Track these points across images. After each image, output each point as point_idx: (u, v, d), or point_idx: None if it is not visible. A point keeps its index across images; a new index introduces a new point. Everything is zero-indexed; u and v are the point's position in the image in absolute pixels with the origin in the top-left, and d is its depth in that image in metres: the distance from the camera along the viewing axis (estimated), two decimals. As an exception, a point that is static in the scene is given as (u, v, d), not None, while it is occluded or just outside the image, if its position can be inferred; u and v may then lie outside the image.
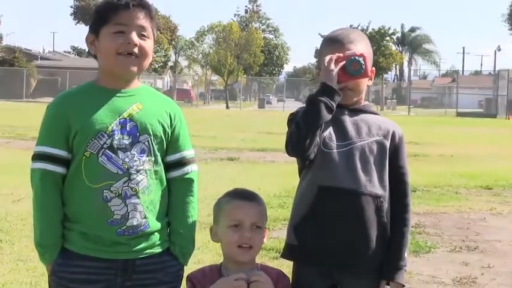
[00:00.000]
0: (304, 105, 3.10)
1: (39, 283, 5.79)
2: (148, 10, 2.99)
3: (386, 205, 3.16)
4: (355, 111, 3.21)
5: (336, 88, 3.02)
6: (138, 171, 2.94)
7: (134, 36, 2.93)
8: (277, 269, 3.25)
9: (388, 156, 3.17)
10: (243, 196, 3.15)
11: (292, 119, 3.13)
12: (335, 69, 3.04)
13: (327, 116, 3.02)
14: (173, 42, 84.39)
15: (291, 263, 3.27)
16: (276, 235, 7.81)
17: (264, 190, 11.11)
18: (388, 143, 3.17)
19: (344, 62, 3.05)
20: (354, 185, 3.08)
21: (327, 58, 3.06)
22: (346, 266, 3.12)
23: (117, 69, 2.96)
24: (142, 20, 2.96)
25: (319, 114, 3.00)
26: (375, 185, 3.12)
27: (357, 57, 3.06)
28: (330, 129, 3.12)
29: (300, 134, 3.01)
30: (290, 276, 3.21)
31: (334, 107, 3.03)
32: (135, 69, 2.96)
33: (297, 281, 3.18)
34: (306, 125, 3.01)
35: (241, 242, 3.04)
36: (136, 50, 2.93)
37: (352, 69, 3.05)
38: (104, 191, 2.90)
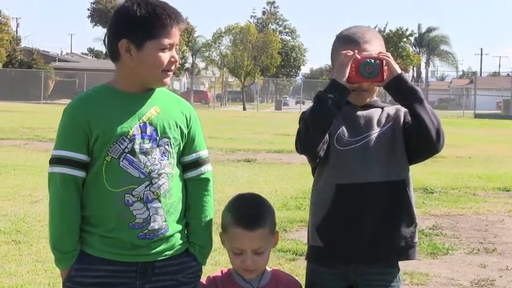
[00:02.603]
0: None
1: (57, 284, 5.80)
2: (184, 24, 3.01)
3: (409, 187, 3.16)
4: (365, 106, 3.20)
5: (344, 85, 3.01)
6: (159, 174, 2.94)
7: (176, 53, 2.98)
8: (289, 274, 3.26)
9: (403, 124, 3.15)
10: (245, 222, 3.05)
11: (303, 117, 3.13)
12: (348, 67, 3.02)
13: (334, 113, 3.01)
14: (190, 44, 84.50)
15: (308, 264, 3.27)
16: (293, 237, 7.82)
17: (280, 192, 11.13)
18: (401, 121, 3.16)
19: (359, 62, 3.04)
20: (373, 177, 3.08)
21: (344, 52, 3.04)
22: (375, 259, 3.12)
23: (157, 83, 2.99)
24: (178, 36, 2.99)
25: (326, 111, 2.99)
26: (394, 172, 3.12)
27: (372, 60, 3.04)
28: (343, 127, 3.12)
29: (308, 132, 3.01)
30: (304, 276, 3.21)
31: (342, 103, 3.02)
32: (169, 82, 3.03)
33: (313, 283, 3.19)
34: (314, 122, 3.01)
35: (244, 267, 3.07)
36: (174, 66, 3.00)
37: (366, 71, 3.04)
38: (126, 195, 2.89)
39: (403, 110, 3.16)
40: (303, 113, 3.19)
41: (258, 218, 3.08)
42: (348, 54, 3.03)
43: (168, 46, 2.93)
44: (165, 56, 2.93)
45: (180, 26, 2.97)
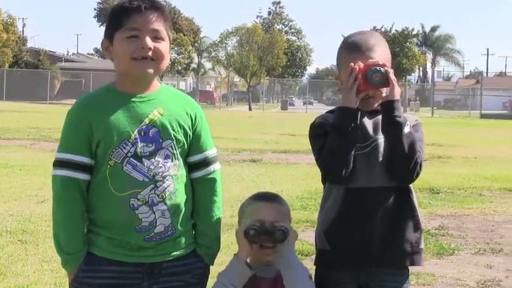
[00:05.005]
0: (332, 129, 3.07)
1: (63, 284, 5.81)
2: (161, 12, 2.93)
3: (412, 192, 3.19)
4: (373, 112, 3.20)
5: (354, 108, 3.03)
6: (164, 177, 2.91)
7: (148, 40, 2.88)
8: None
9: None
10: (263, 198, 3.20)
11: (318, 136, 3.14)
12: (354, 92, 3.02)
13: (356, 137, 3.05)
14: (196, 44, 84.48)
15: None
16: (299, 237, 7.80)
17: (286, 192, 11.11)
18: None
19: (366, 70, 3.02)
20: (380, 182, 3.10)
21: (348, 72, 3.03)
22: (381, 263, 3.13)
23: (133, 73, 2.91)
24: (155, 22, 2.90)
25: (350, 139, 3.03)
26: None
27: (379, 68, 3.02)
28: None
29: (338, 164, 3.04)
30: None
31: (358, 125, 3.05)
32: (151, 71, 2.92)
33: (322, 284, 3.18)
34: (341, 154, 3.03)
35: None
36: (150, 53, 2.89)
37: (375, 80, 3.02)
38: (131, 199, 2.87)
39: (408, 119, 3.17)
40: (314, 128, 3.19)
41: (276, 196, 3.25)
42: (349, 76, 3.03)
43: (136, 34, 2.88)
44: (130, 44, 2.88)
45: (153, 12, 2.90)
